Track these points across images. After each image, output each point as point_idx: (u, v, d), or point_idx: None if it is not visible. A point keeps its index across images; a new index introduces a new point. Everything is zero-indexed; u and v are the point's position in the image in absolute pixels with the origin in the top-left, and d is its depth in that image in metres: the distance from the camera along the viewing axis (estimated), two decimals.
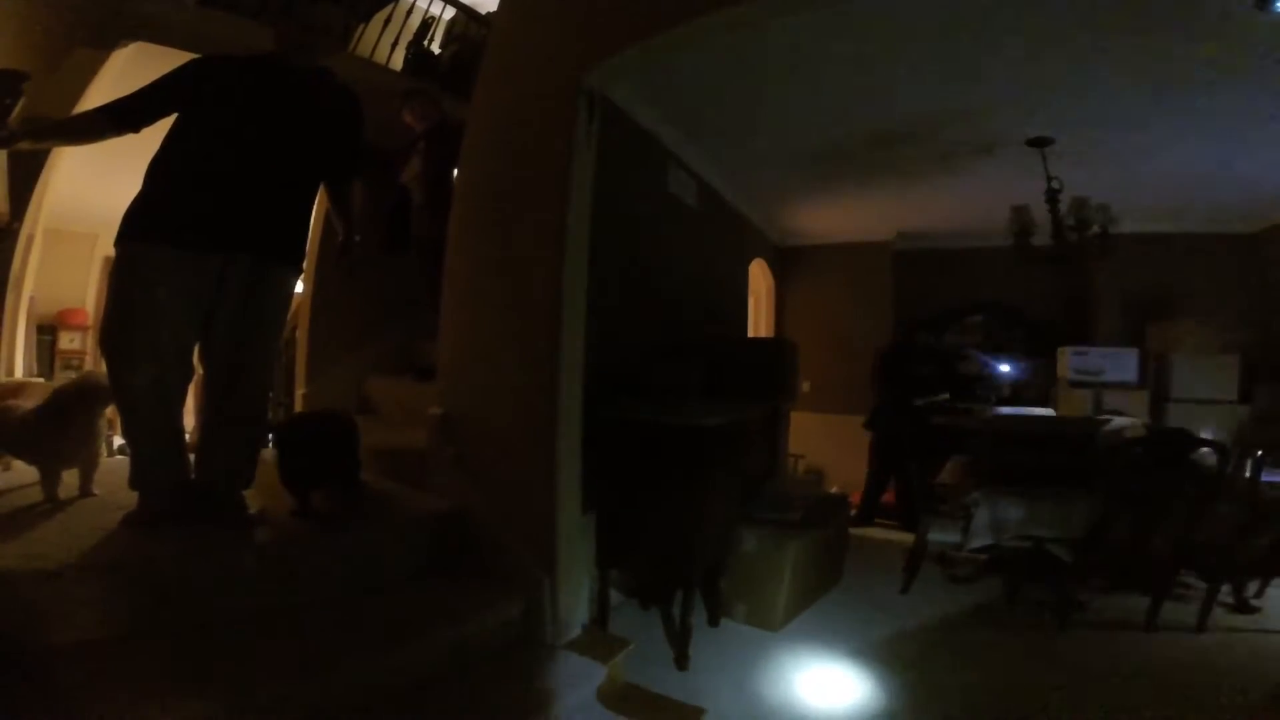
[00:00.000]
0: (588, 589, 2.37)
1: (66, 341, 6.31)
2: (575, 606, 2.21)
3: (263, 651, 1.57)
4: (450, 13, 5.15)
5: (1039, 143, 3.30)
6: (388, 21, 4.59)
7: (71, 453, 2.07)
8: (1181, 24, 2.17)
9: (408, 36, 4.88)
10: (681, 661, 2.33)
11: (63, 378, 5.57)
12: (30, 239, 3.64)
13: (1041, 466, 3.23)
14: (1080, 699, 2.17)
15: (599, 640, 2.18)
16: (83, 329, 6.36)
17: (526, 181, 2.40)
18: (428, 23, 5.10)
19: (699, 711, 2.00)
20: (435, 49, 5.14)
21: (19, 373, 3.90)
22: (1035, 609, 2.93)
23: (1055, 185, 3.51)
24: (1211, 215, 4.70)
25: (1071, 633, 2.71)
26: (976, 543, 3.00)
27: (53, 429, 2.00)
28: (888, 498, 4.77)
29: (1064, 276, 5.00)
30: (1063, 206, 3.57)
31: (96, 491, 2.12)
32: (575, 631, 2.17)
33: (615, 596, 2.51)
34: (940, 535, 3.27)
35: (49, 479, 2.05)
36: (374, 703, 1.58)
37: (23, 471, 2.20)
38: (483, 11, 5.01)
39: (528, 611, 2.07)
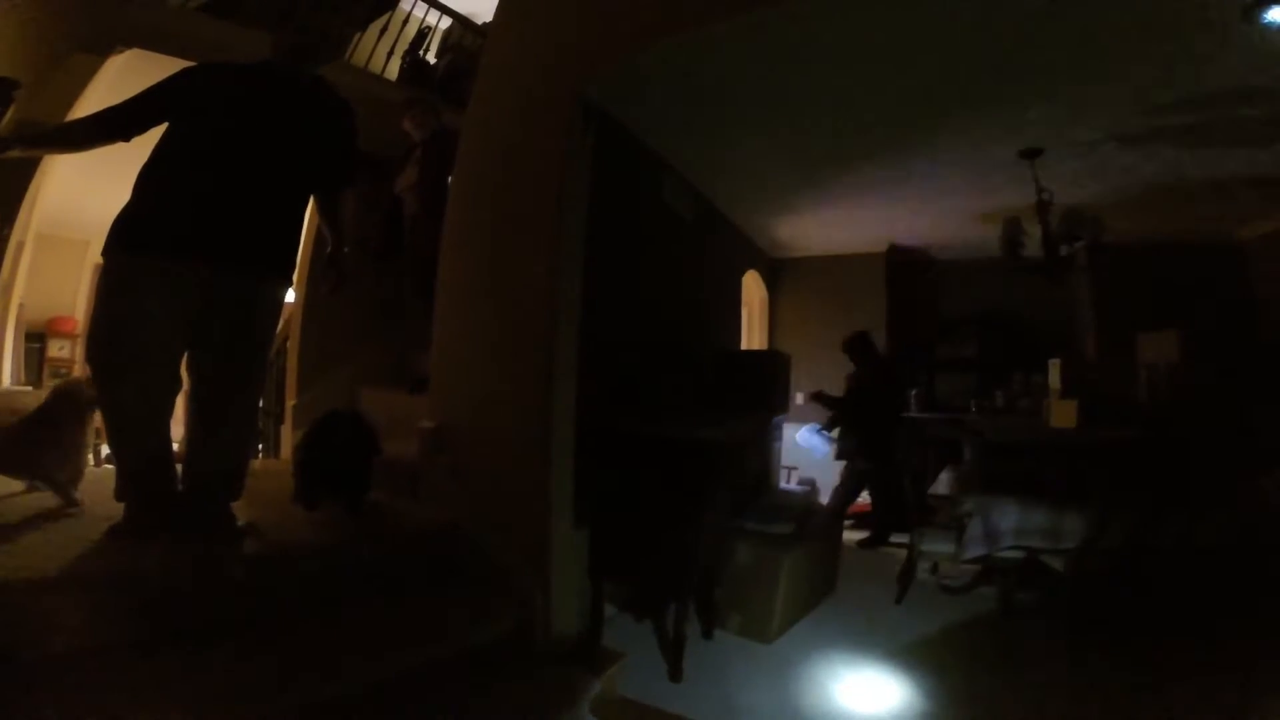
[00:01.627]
0: (581, 601, 2.35)
1: (56, 349, 6.25)
2: (568, 619, 2.19)
3: (251, 663, 1.55)
4: (446, 22, 5.17)
5: (1030, 154, 3.32)
6: (383, 30, 4.61)
7: (58, 465, 2.03)
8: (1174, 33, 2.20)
9: (403, 46, 4.90)
10: (675, 674, 2.31)
11: (51, 385, 5.52)
12: (20, 245, 3.61)
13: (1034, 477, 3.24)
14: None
15: (592, 652, 2.17)
16: (72, 336, 6.31)
17: (521, 191, 2.40)
18: (424, 32, 5.13)
19: None
20: (431, 58, 5.16)
21: (7, 380, 3.87)
22: (1030, 619, 2.93)
23: (1046, 196, 3.54)
24: (1201, 223, 4.75)
25: (1067, 645, 2.71)
26: (971, 554, 2.99)
27: (42, 442, 1.96)
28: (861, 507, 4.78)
29: (1055, 287, 5.03)
30: (1053, 218, 3.60)
31: (80, 498, 2.07)
32: (568, 644, 2.15)
33: (608, 608, 2.49)
34: (933, 546, 3.26)
35: (58, 489, 2.02)
36: (364, 715, 1.56)
37: (6, 482, 2.17)
38: (479, 21, 5.03)
39: (520, 623, 2.05)
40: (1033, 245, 3.76)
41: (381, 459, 2.36)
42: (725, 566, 2.73)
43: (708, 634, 2.68)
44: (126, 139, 1.91)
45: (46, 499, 2.05)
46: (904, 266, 5.74)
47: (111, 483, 1.93)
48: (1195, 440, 3.56)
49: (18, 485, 2.17)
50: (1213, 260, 5.01)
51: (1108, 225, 3.66)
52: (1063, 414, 3.90)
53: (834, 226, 5.19)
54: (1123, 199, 3.97)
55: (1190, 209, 4.34)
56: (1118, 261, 4.83)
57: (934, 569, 3.44)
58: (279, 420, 3.84)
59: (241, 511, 2.04)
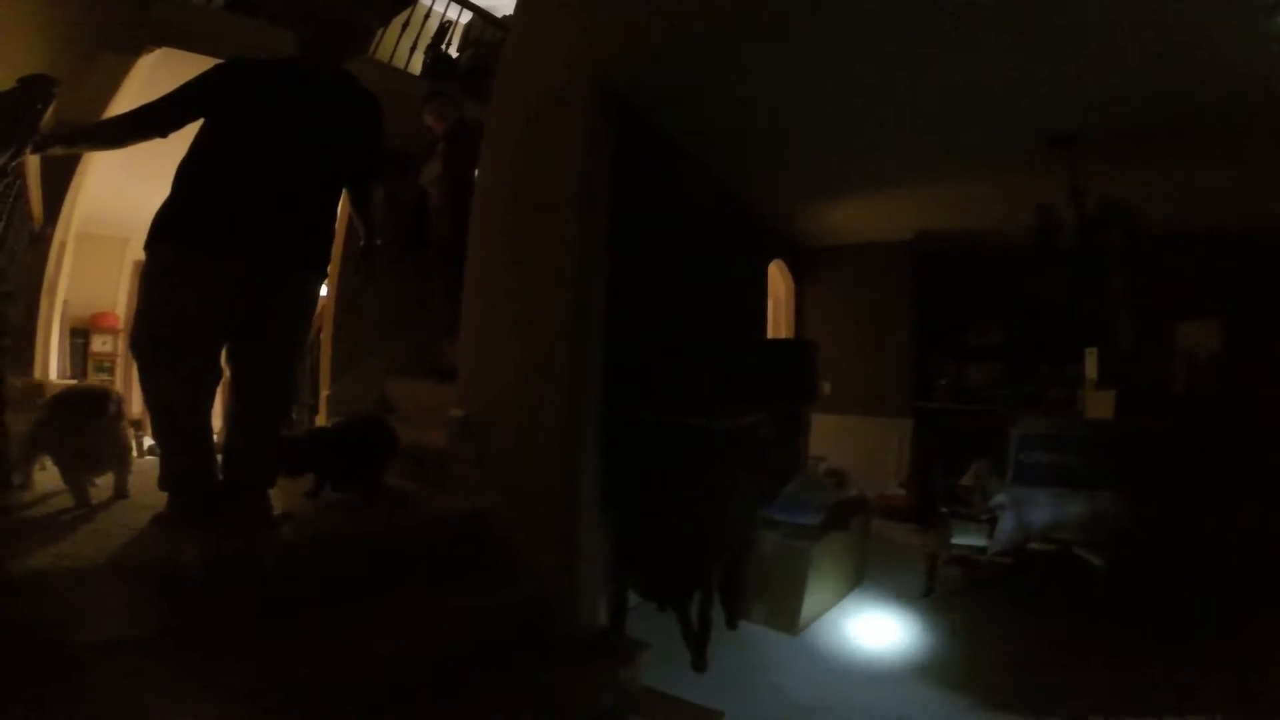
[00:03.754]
0: (605, 590, 2.36)
1: (99, 344, 6.45)
2: (593, 608, 2.21)
3: (286, 651, 1.59)
4: (467, 17, 5.19)
5: (1063, 139, 3.22)
6: (406, 25, 4.64)
7: (80, 459, 2.02)
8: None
9: (426, 40, 4.93)
10: (699, 664, 2.31)
11: (95, 381, 5.72)
12: (63, 244, 3.73)
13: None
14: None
15: (616, 642, 2.18)
16: (114, 332, 6.50)
17: (543, 182, 2.41)
18: (445, 26, 5.15)
19: (717, 714, 1.99)
20: (453, 53, 5.18)
21: (54, 375, 4.01)
22: (1061, 613, 2.87)
23: (1080, 184, 3.43)
24: (1244, 210, 4.56)
25: (1102, 638, 2.65)
26: (1003, 546, 2.94)
27: (57, 430, 1.99)
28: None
29: (1090, 276, 4.89)
30: (1087, 205, 3.49)
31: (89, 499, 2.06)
32: (592, 633, 2.17)
33: (632, 598, 2.51)
34: (964, 538, 3.22)
35: (71, 485, 2.02)
36: (391, 702, 1.59)
37: (57, 474, 2.24)
38: (499, 15, 5.04)
39: (545, 612, 2.07)
40: (1066, 233, 3.66)
41: (400, 455, 2.45)
42: (751, 556, 2.72)
43: (732, 624, 2.68)
44: (163, 135, 1.96)
45: (100, 492, 2.11)
46: (931, 254, 5.64)
47: (155, 473, 1.99)
48: (1235, 432, 3.45)
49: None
50: (1256, 248, 4.81)
51: (1144, 212, 3.55)
52: (1100, 404, 3.81)
53: (860, 214, 5.10)
54: (1160, 186, 3.83)
55: (1232, 196, 4.18)
56: (1156, 249, 4.67)
57: (963, 561, 3.39)
58: (314, 410, 3.92)
59: (276, 500, 2.09)
